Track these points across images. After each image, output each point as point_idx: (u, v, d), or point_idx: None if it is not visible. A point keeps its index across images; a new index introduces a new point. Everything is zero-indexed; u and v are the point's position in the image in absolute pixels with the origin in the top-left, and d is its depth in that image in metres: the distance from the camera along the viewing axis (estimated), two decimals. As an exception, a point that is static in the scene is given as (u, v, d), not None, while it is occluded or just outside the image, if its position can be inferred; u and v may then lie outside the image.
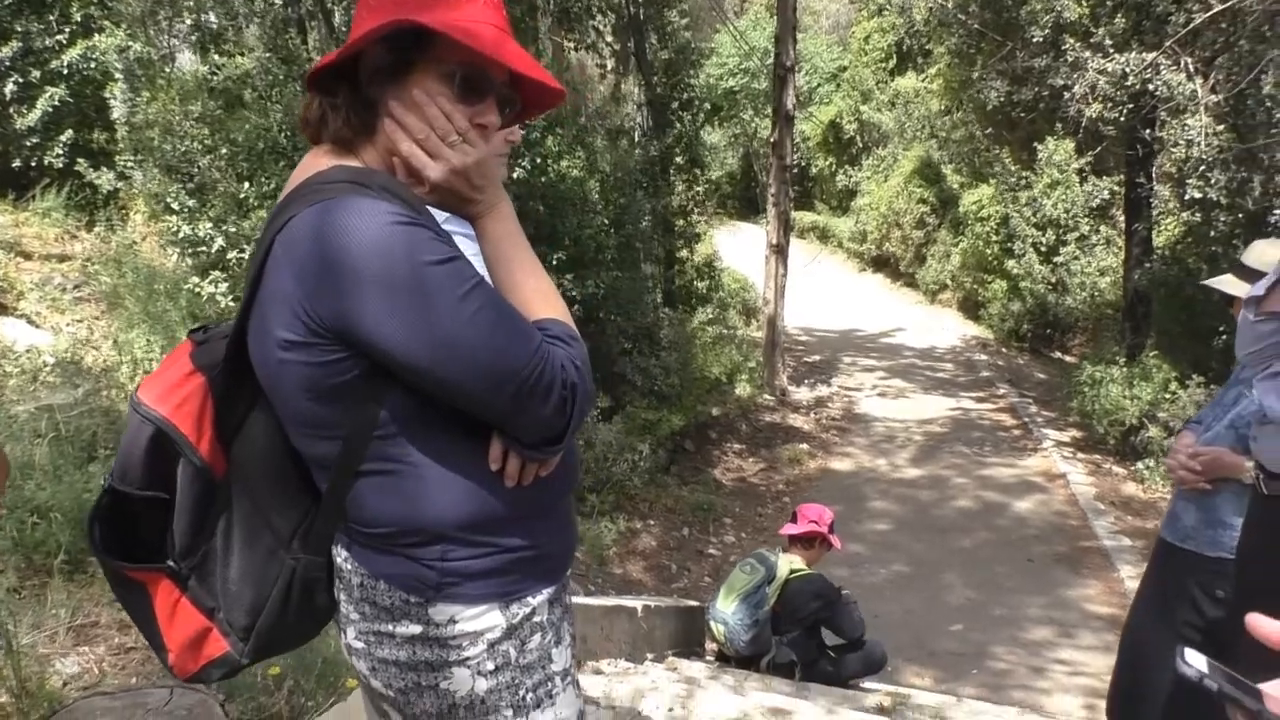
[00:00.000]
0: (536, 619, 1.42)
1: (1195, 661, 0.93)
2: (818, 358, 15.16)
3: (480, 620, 1.37)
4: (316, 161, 1.40)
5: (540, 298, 1.41)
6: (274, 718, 2.86)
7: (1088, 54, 9.91)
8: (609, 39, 11.87)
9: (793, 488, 9.08)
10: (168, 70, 13.03)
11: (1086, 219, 14.40)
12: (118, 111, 9.93)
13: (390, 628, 1.38)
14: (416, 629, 1.37)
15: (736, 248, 18.96)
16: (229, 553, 1.41)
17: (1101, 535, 7.70)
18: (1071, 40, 10.17)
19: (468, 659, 1.37)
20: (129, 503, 1.38)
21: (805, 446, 10.27)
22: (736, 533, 7.96)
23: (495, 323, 1.28)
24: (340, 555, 1.41)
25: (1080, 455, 9.89)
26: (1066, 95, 10.28)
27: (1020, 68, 11.17)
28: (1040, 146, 13.97)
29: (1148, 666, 2.87)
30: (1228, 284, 2.88)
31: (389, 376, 1.29)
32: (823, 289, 19.11)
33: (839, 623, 4.86)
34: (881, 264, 22.08)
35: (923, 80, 21.89)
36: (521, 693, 1.40)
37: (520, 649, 1.40)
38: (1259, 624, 0.95)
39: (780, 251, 11.97)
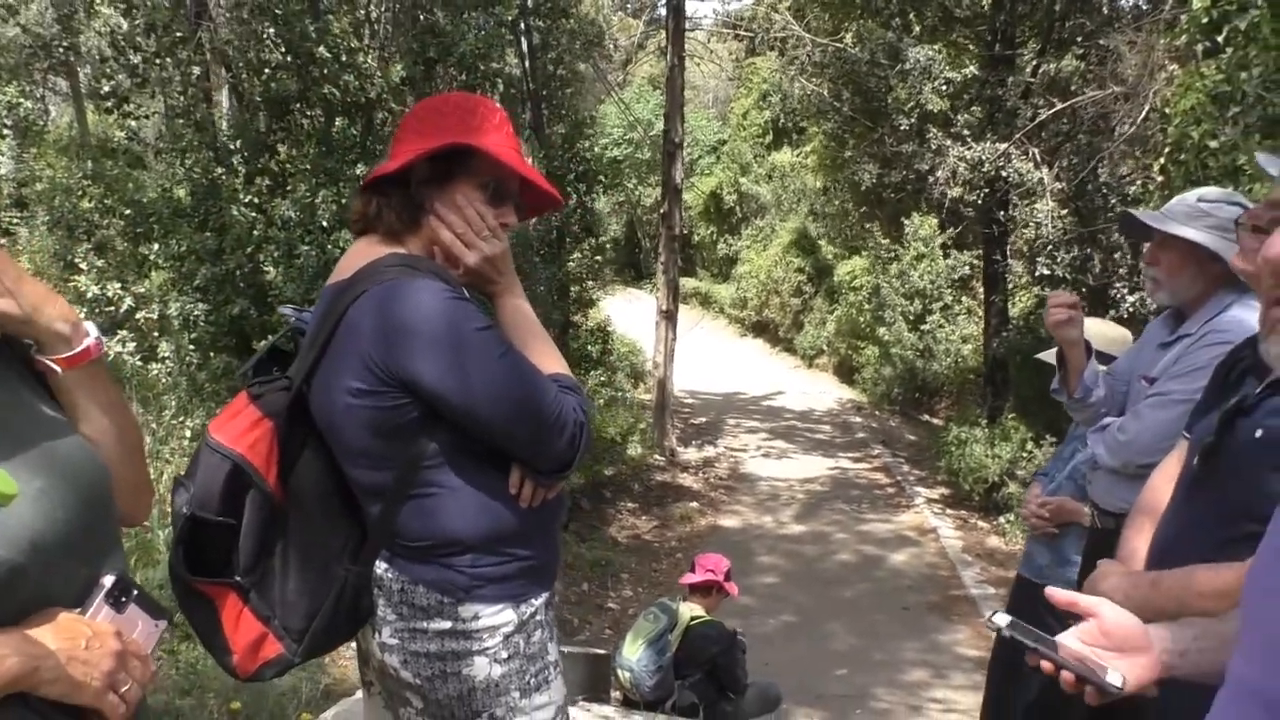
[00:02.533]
0: (538, 617, 1.77)
1: (1000, 620, 1.32)
2: (704, 420, 15.70)
3: (498, 617, 1.71)
4: (371, 250, 1.77)
5: (549, 357, 1.80)
6: (230, 756, 3.04)
7: (949, 142, 10.88)
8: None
9: (685, 544, 9.45)
10: (51, 127, 12.86)
11: (950, 290, 15.47)
12: (4, 168, 9.77)
13: (425, 624, 1.70)
14: (447, 625, 1.70)
15: (623, 312, 19.50)
16: (286, 569, 1.71)
17: (969, 584, 8.31)
18: (934, 129, 11.14)
19: (487, 649, 1.70)
20: (203, 527, 1.65)
21: (695, 504, 10.69)
22: (634, 587, 8.26)
23: (524, 376, 1.68)
24: (381, 566, 1.73)
25: (949, 511, 10.60)
26: (931, 178, 11.22)
27: (889, 151, 12.11)
28: (908, 222, 15.03)
29: (1011, 682, 3.33)
30: (1052, 357, 3.46)
31: (438, 417, 1.66)
32: (706, 353, 19.75)
33: (731, 670, 5.16)
34: (761, 329, 22.96)
35: (798, 156, 23.13)
36: (526, 677, 1.74)
37: (527, 641, 1.74)
38: (1054, 594, 1.37)
39: (670, 317, 12.50)
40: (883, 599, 8.07)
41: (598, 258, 11.30)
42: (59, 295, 1.21)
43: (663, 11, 14.62)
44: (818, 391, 18.15)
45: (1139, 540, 1.88)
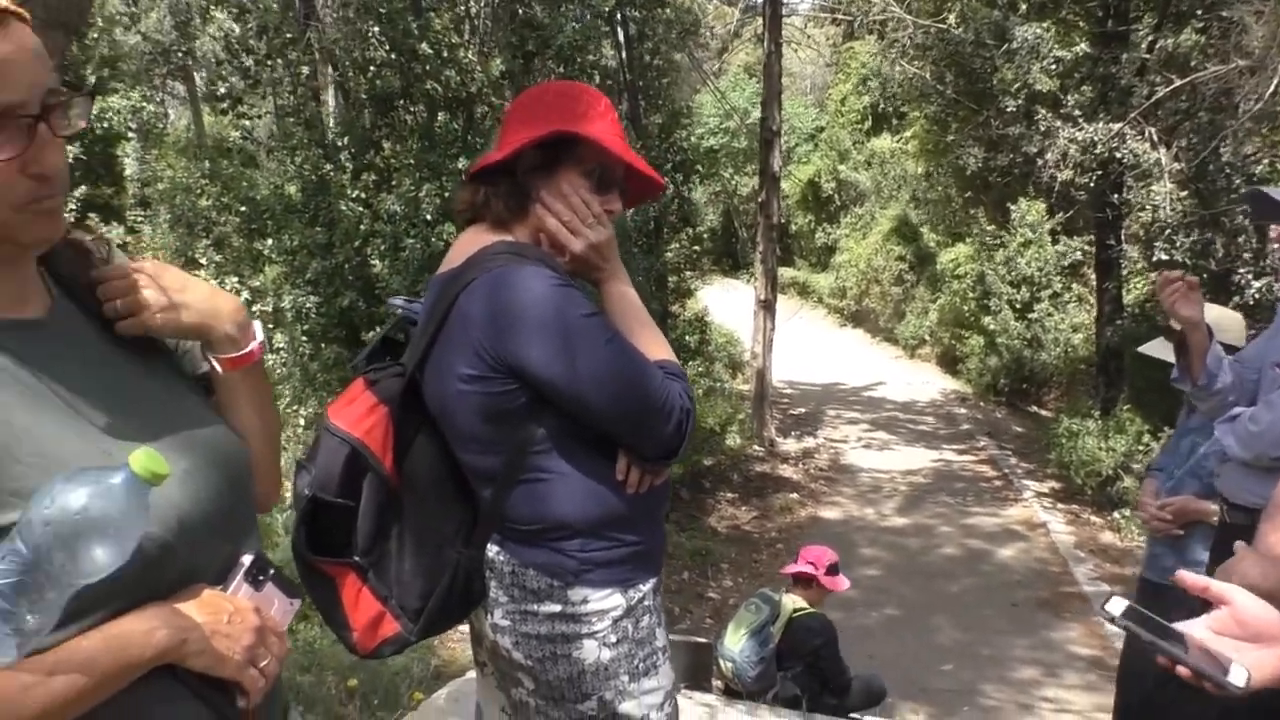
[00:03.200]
0: (646, 602, 1.77)
1: (1115, 608, 1.23)
2: (803, 410, 15.53)
3: (607, 601, 1.72)
4: (480, 238, 1.78)
5: (655, 344, 1.79)
6: (346, 728, 3.14)
7: (1059, 123, 10.49)
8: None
9: (785, 535, 9.37)
10: (170, 130, 13.42)
11: (1059, 277, 14.94)
12: (130, 169, 10.22)
13: (535, 607, 1.72)
14: (557, 608, 1.71)
15: (720, 303, 19.43)
16: (402, 550, 1.75)
17: (1082, 581, 8.03)
18: (1043, 110, 10.76)
19: (596, 632, 1.71)
20: (323, 509, 1.70)
21: (795, 495, 10.59)
22: (734, 577, 8.23)
23: (631, 363, 1.67)
24: (492, 549, 1.76)
25: (1059, 505, 10.26)
26: (1039, 162, 10.84)
27: (995, 135, 11.75)
28: (1014, 207, 14.56)
29: (1146, 688, 3.18)
30: (1156, 349, 3.29)
31: (545, 403, 1.67)
32: (804, 343, 19.55)
33: (835, 663, 5.07)
34: (861, 319, 22.60)
35: (898, 141, 22.64)
36: (635, 662, 1.74)
37: (635, 626, 1.74)
38: (1184, 578, 1.29)
39: (768, 307, 12.38)
40: (990, 594, 7.86)
41: (695, 248, 11.26)
42: (227, 294, 1.26)
43: (759, -2, 14.48)
44: (920, 382, 17.77)
45: (1276, 535, 1.78)
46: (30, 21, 1.02)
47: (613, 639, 1.72)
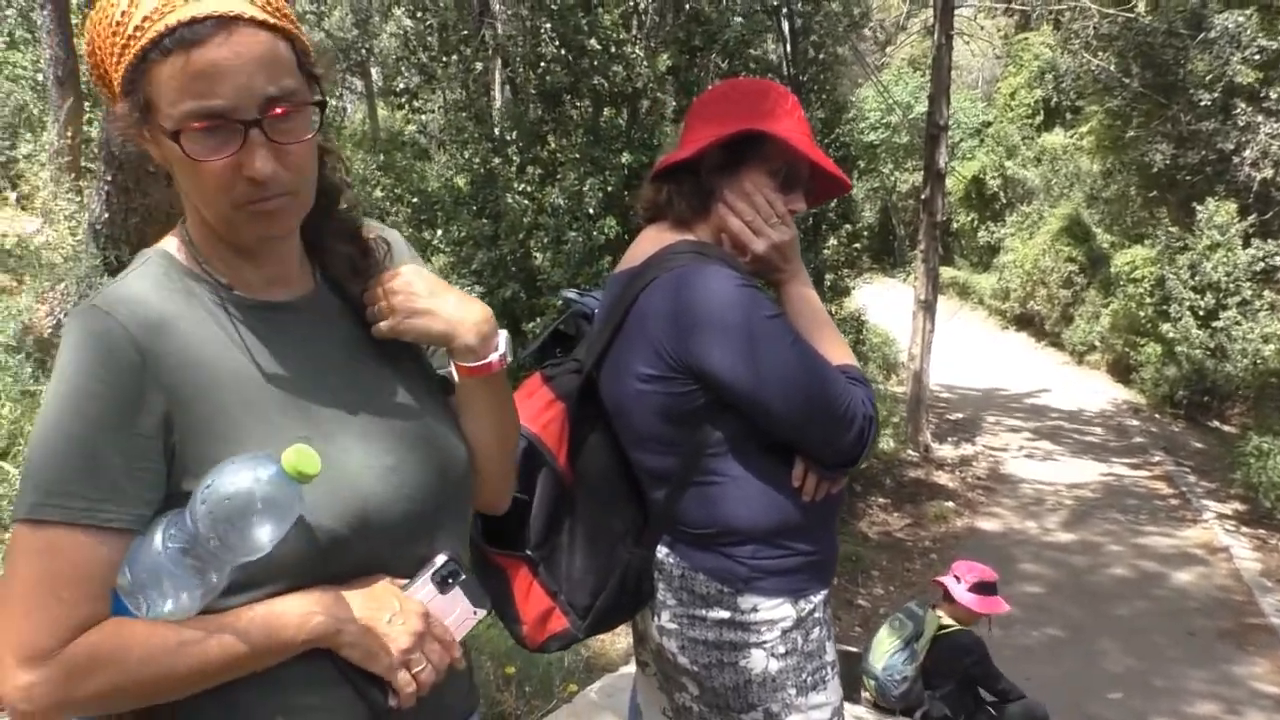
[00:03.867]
0: (817, 614, 1.71)
1: None
2: (960, 415, 15.01)
3: (776, 611, 1.67)
4: (661, 236, 1.77)
5: (837, 347, 1.73)
6: (504, 714, 3.21)
7: (1260, 118, 9.75)
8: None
9: (939, 544, 9.08)
10: (347, 123, 14.11)
11: (1249, 283, 13.88)
12: (312, 161, 10.81)
13: (703, 612, 1.69)
14: (725, 614, 1.67)
15: (876, 302, 18.97)
16: (573, 547, 1.74)
17: (1269, 613, 7.46)
18: (1242, 104, 10.01)
19: (764, 642, 1.67)
20: None
21: (951, 504, 10.24)
22: (884, 585, 8.03)
23: (814, 367, 1.62)
24: (662, 551, 1.73)
25: (1244, 529, 9.55)
26: (1235, 159, 10.10)
27: (1185, 130, 11.02)
28: (1201, 208, 13.60)
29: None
30: None
31: (725, 406, 1.64)
32: (964, 346, 18.89)
33: (990, 682, 4.83)
34: (1025, 322, 21.63)
35: (1071, 137, 21.55)
36: (803, 675, 1.68)
37: (805, 638, 1.69)
38: None
39: (928, 308, 12.02)
40: (1164, 620, 7.39)
41: (854, 245, 11.02)
42: (477, 301, 1.26)
43: (930, -12, 14.02)
44: (1088, 390, 16.88)
45: None
46: (279, 28, 1.05)
47: (781, 650, 1.67)
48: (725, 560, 1.68)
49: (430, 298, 1.21)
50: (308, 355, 1.17)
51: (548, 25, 7.48)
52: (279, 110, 1.04)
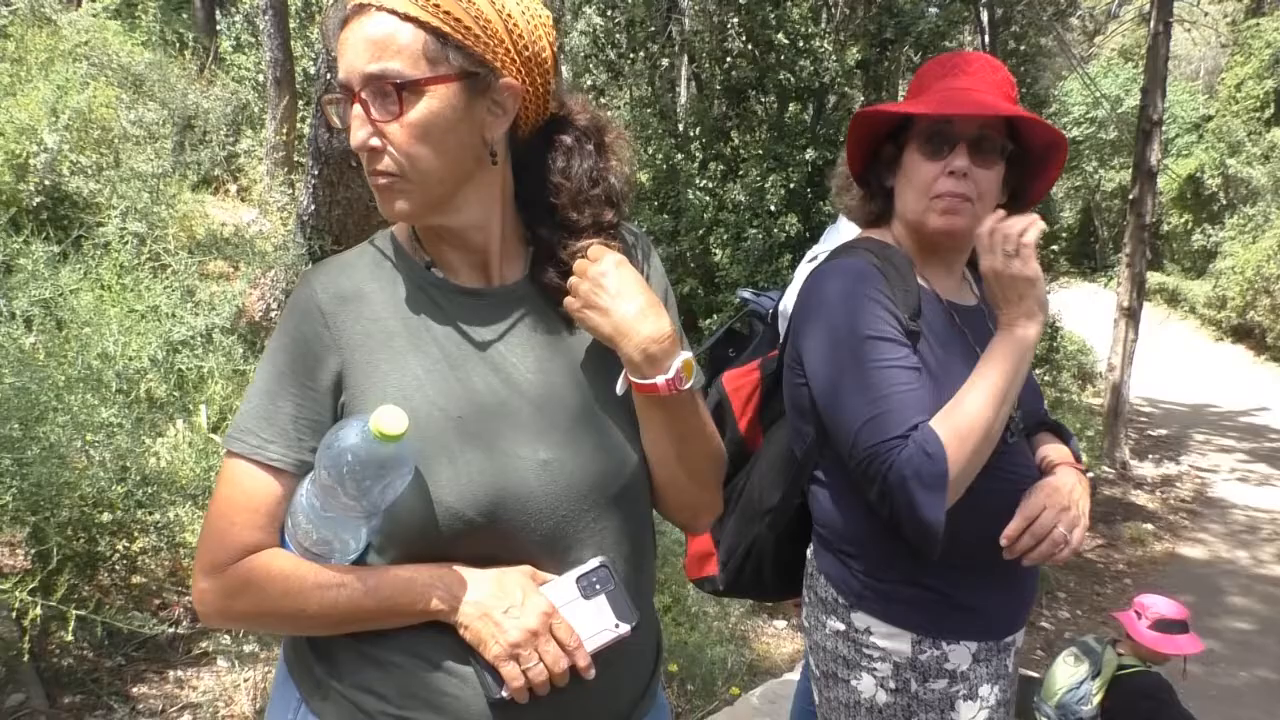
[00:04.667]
0: (949, 665, 1.56)
1: None
2: (1164, 432, 13.99)
3: (890, 641, 1.57)
4: (861, 234, 1.77)
5: (964, 410, 1.46)
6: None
7: None
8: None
9: (1135, 569, 8.48)
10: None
11: None
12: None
13: (824, 618, 1.65)
14: (840, 626, 1.62)
15: (1073, 307, 17.93)
16: (731, 508, 1.81)
17: None
18: None
19: (874, 669, 1.59)
20: None
21: (1150, 527, 9.54)
22: (1071, 609, 7.58)
23: (862, 404, 1.47)
24: (811, 547, 1.73)
25: None
26: None
27: None
28: None
29: None
30: None
31: None
32: (1171, 357, 17.60)
33: None
34: (1243, 334, 19.94)
35: (1307, 132, 19.71)
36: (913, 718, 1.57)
37: (922, 684, 1.56)
38: None
39: (1132, 315, 11.24)
40: (1397, 671, 6.64)
41: (1051, 247, 10.44)
42: (662, 317, 1.20)
43: (1147, -27, 13.11)
44: (1315, 411, 15.39)
45: None
46: (414, 18, 1.09)
47: (892, 685, 1.57)
48: (842, 569, 1.62)
49: (614, 297, 1.18)
50: (489, 341, 1.21)
51: (735, 20, 7.46)
52: (377, 86, 1.09)
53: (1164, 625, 4.29)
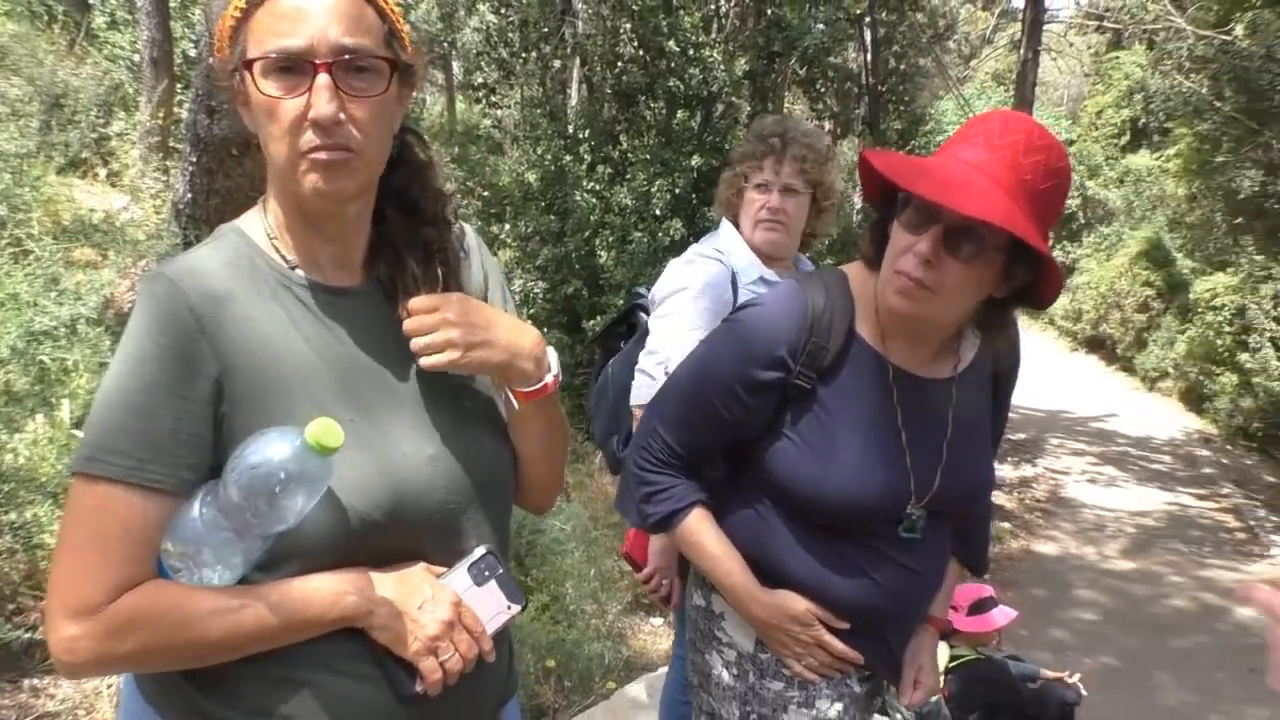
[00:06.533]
0: (787, 672, 1.66)
1: None
2: (1022, 436, 14.73)
3: (738, 633, 1.71)
4: (848, 267, 1.69)
5: (705, 553, 1.75)
6: (543, 707, 3.27)
7: (1356, 148, 9.40)
8: (833, 105, 12.18)
9: (994, 566, 8.92)
10: (426, 115, 14.25)
11: (1335, 317, 13.42)
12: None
13: (694, 590, 1.80)
14: (703, 604, 1.76)
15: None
16: None
17: (1335, 656, 7.20)
18: (1338, 132, 9.68)
19: (723, 652, 1.72)
20: None
21: (1008, 526, 10.06)
22: (935, 604, 7.93)
23: (666, 421, 1.72)
24: None
25: (1314, 568, 9.23)
26: (1327, 189, 9.77)
27: (1277, 157, 10.68)
28: (1289, 238, 13.17)
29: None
30: None
31: None
32: (1030, 366, 18.40)
33: (1020, 711, 4.62)
34: (1097, 345, 21.13)
35: (1157, 159, 20.98)
36: (750, 712, 1.68)
37: (759, 679, 1.68)
38: None
39: (996, 325, 11.81)
40: (1225, 655, 7.17)
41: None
42: (526, 325, 1.26)
43: (1018, 3, 13.79)
44: (1158, 417, 16.43)
45: None
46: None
47: (735, 671, 1.70)
48: None
49: (488, 329, 1.19)
50: (362, 342, 1.20)
51: (628, 26, 7.56)
52: (352, 59, 1.08)
53: (977, 607, 4.51)
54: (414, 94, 1.23)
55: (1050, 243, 1.52)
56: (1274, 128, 10.74)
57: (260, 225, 1.20)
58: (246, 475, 1.02)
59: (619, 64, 7.72)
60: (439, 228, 1.27)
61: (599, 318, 7.39)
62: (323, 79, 1.06)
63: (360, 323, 1.20)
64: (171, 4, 7.64)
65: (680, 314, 2.33)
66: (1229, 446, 14.73)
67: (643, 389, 2.31)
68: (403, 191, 1.24)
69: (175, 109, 7.45)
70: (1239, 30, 11.39)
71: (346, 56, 1.08)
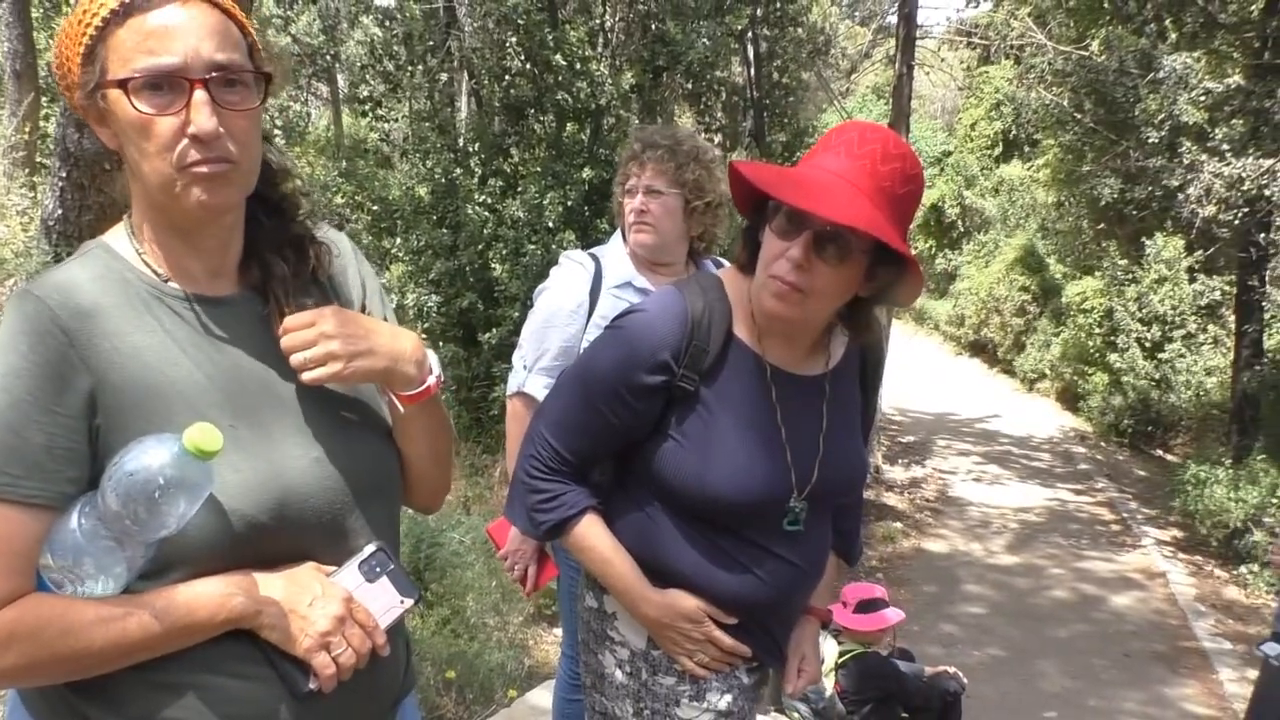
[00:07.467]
0: (678, 666, 1.71)
1: (1272, 649, 1.20)
2: (912, 438, 15.20)
3: (630, 631, 1.75)
4: (722, 272, 1.76)
5: (595, 554, 1.79)
6: (444, 718, 3.24)
7: (1204, 157, 10.03)
8: (721, 118, 12.41)
9: (886, 564, 9.19)
10: (311, 129, 13.98)
11: (1194, 317, 14.24)
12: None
13: (585, 592, 1.83)
14: (594, 605, 1.79)
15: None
16: None
17: (1202, 637, 7.64)
18: (1188, 143, 10.31)
19: (615, 651, 1.76)
20: None
21: (899, 525, 10.37)
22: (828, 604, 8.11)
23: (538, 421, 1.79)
24: None
25: (1181, 555, 9.78)
26: (1180, 196, 10.39)
27: (1134, 166, 11.32)
28: (1149, 242, 13.95)
29: None
30: None
31: None
32: (918, 370, 19.12)
33: (906, 700, 4.75)
34: (979, 349, 21.96)
35: (1028, 169, 21.99)
36: (643, 709, 1.73)
37: (652, 675, 1.73)
38: None
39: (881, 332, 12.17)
40: (1101, 642, 7.55)
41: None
42: (406, 332, 1.28)
43: (893, 20, 14.30)
44: (1037, 417, 17.17)
45: None
46: (230, 13, 1.13)
47: (628, 669, 1.74)
48: None
49: (367, 338, 1.21)
50: (240, 349, 1.20)
51: (513, 39, 7.57)
52: (225, 74, 1.09)
53: (865, 606, 4.62)
54: (293, 106, 1.24)
55: (912, 245, 1.61)
56: (1130, 138, 11.38)
57: (127, 240, 1.20)
58: (124, 482, 1.01)
59: (506, 77, 7.73)
60: (303, 224, 1.29)
61: (494, 330, 7.35)
62: (200, 95, 1.08)
63: (238, 330, 1.21)
64: (34, 14, 7.32)
65: (537, 310, 2.61)
66: (1102, 443, 15.48)
67: (514, 378, 2.64)
68: (265, 195, 1.25)
69: (41, 123, 7.15)
70: (1095, 46, 12.06)
71: (219, 72, 1.09)
